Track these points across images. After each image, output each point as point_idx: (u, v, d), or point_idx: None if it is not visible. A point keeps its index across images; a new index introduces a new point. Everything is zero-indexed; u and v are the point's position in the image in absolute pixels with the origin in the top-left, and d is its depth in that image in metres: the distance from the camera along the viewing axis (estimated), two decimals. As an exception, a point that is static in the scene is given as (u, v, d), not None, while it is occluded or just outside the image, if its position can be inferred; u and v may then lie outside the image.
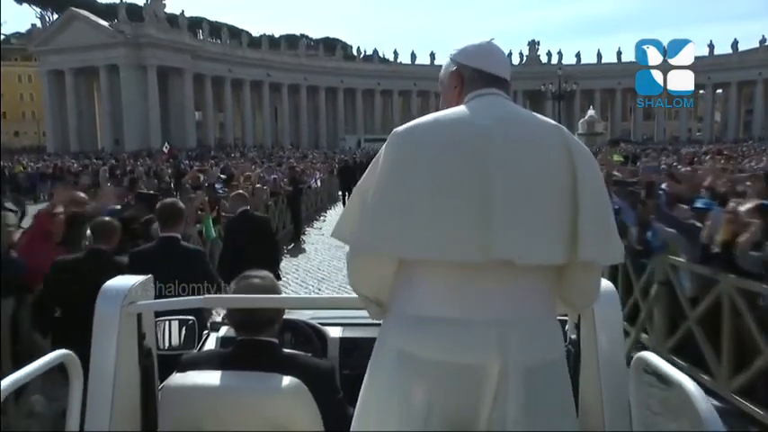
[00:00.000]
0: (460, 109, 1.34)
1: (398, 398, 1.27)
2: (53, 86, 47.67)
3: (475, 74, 1.40)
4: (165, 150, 19.81)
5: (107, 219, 4.02)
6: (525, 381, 1.23)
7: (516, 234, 1.21)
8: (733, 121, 62.13)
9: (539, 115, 1.36)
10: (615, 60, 63.04)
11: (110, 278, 1.84)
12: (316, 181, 16.78)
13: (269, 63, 56.91)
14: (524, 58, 67.61)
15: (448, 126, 1.29)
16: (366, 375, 1.38)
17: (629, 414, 1.59)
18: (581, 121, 44.04)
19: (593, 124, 44.09)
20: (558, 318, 1.43)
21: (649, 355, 1.54)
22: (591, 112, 47.14)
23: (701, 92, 64.78)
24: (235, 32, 58.27)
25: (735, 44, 59.85)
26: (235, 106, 56.85)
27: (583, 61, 64.88)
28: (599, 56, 66.02)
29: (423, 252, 1.24)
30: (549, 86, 36.97)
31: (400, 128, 1.33)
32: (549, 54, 67.33)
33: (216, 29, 56.75)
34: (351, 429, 1.40)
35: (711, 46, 61.06)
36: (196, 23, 53.16)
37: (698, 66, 55.55)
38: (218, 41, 55.51)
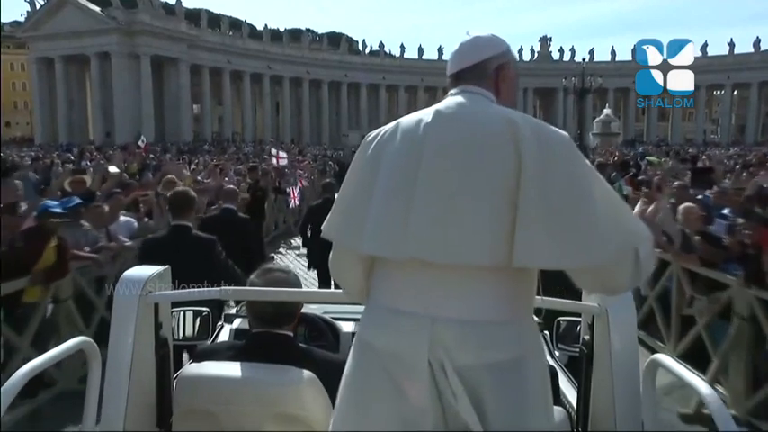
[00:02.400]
0: (422, 111, 1.38)
1: (356, 383, 1.35)
2: (42, 75, 45.48)
3: (449, 80, 1.48)
4: (142, 144, 17.28)
5: (184, 191, 4.13)
6: (456, 379, 1.23)
7: (431, 234, 1.23)
8: (752, 123, 59.70)
9: (503, 111, 1.31)
10: (629, 58, 60.85)
11: (193, 254, 2.55)
12: (293, 192, 11.20)
13: (270, 55, 54.73)
14: (536, 55, 65.33)
15: (402, 132, 1.35)
16: None
17: (641, 416, 1.57)
18: (596, 120, 41.96)
19: (608, 124, 41.92)
20: (570, 318, 1.55)
21: (664, 358, 1.52)
22: (607, 111, 44.94)
23: (718, 93, 62.75)
24: (236, 25, 55.93)
25: (757, 43, 57.44)
26: (234, 99, 54.71)
27: (596, 59, 62.53)
28: (612, 53, 63.72)
29: (360, 246, 1.32)
30: (571, 81, 34.43)
31: (370, 134, 1.43)
32: (561, 51, 65.29)
33: (215, 20, 54.29)
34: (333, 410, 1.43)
35: (732, 45, 58.83)
36: (195, 15, 50.77)
37: (717, 65, 53.69)
38: (218, 31, 53.25)
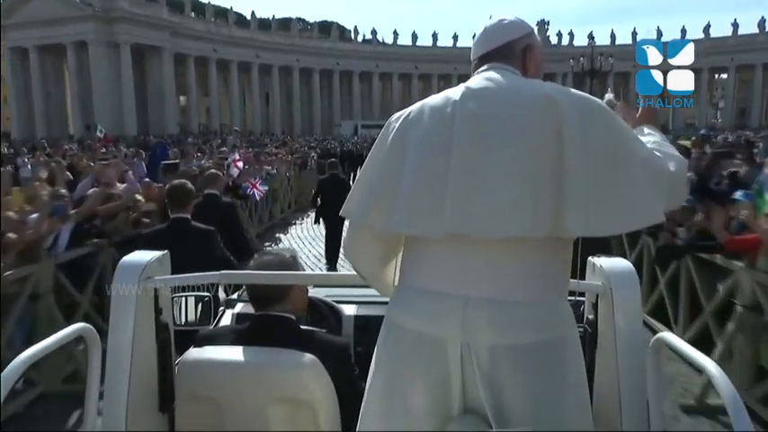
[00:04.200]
0: (450, 90, 1.35)
1: (387, 365, 1.34)
2: (17, 65, 43.02)
3: (474, 64, 1.46)
4: (101, 135, 15.10)
5: (182, 183, 4.09)
6: (491, 361, 1.22)
7: (469, 207, 1.20)
8: (756, 106, 57.97)
9: (539, 84, 1.30)
10: (630, 42, 58.90)
11: (192, 246, 2.63)
12: (252, 191, 9.11)
13: (258, 43, 52.52)
14: (533, 40, 63.24)
15: (431, 108, 1.33)
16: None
17: (646, 395, 1.56)
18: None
19: (611, 108, 40.34)
20: (573, 298, 1.45)
21: (670, 336, 1.51)
22: (609, 95, 41.04)
23: (721, 76, 61.05)
24: (222, 14, 53.49)
25: (762, 23, 55.57)
26: (221, 90, 52.52)
27: (596, 44, 60.60)
28: (612, 37, 61.74)
29: (390, 225, 1.28)
30: (580, 62, 32.54)
31: (395, 114, 1.41)
32: (559, 35, 63.09)
33: (200, 9, 51.83)
34: (365, 393, 1.42)
35: (736, 25, 56.97)
36: (179, 4, 48.46)
37: (720, 47, 52.23)
38: (202, 18, 50.93)
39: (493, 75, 1.35)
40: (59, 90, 44.79)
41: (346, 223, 1.53)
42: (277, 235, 11.72)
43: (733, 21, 56.83)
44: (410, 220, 1.26)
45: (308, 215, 14.00)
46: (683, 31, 56.17)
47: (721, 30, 59.16)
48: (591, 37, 60.07)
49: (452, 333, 1.23)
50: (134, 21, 41.91)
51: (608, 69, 32.16)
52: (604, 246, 3.94)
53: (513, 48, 1.41)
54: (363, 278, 1.54)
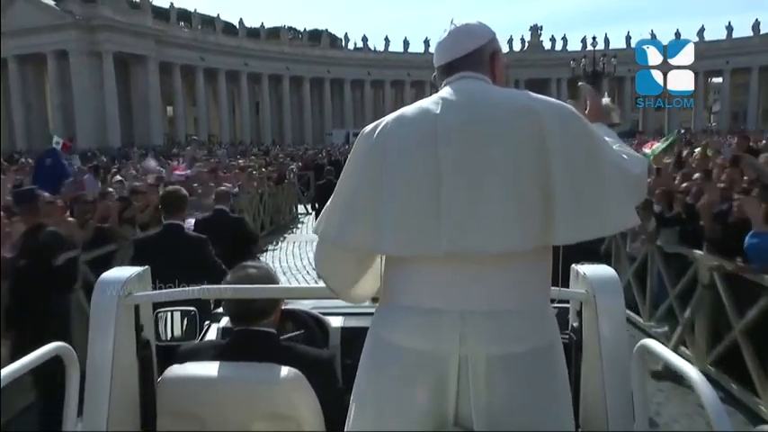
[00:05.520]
0: (426, 100, 1.34)
1: (379, 383, 1.31)
2: (-5, 76, 41.56)
3: (439, 70, 1.43)
4: (57, 147, 13.50)
5: (176, 189, 4.12)
6: (487, 372, 1.23)
7: (464, 225, 1.20)
8: (753, 109, 57.42)
9: (515, 94, 1.31)
10: (624, 46, 58.26)
11: (184, 253, 2.89)
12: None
13: (247, 51, 51.18)
14: (526, 45, 62.48)
15: (408, 121, 1.30)
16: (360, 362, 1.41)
17: (632, 402, 1.57)
18: (594, 109, 39.55)
19: (608, 113, 39.48)
20: (559, 305, 1.45)
21: (652, 343, 1.53)
22: (606, 99, 41.80)
23: (714, 80, 60.58)
24: (209, 23, 52.22)
25: (756, 26, 55.15)
26: (210, 99, 51.22)
27: (588, 48, 59.93)
28: (606, 41, 61.07)
29: (378, 247, 1.27)
30: (581, 65, 31.66)
31: (368, 127, 1.36)
32: (552, 40, 62.40)
33: (186, 18, 50.53)
34: (348, 410, 1.41)
35: (730, 28, 56.52)
36: (163, 13, 47.21)
37: (714, 50, 51.80)
38: (189, 26, 49.68)
39: (468, 86, 1.33)
40: (40, 101, 43.29)
41: None
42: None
43: (727, 24, 56.44)
44: (402, 242, 1.23)
45: (286, 236, 12.64)
46: (677, 35, 55.47)
47: (715, 33, 58.86)
48: (583, 41, 59.39)
49: (451, 348, 1.23)
50: (117, 29, 40.51)
51: (611, 71, 31.12)
52: (592, 251, 4.54)
53: (482, 54, 1.39)
54: (333, 291, 1.51)
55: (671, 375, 4.20)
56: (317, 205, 9.51)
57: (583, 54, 34.10)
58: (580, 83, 1.85)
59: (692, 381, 1.25)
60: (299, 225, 14.64)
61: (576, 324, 1.74)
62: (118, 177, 9.35)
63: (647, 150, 8.75)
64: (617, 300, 1.63)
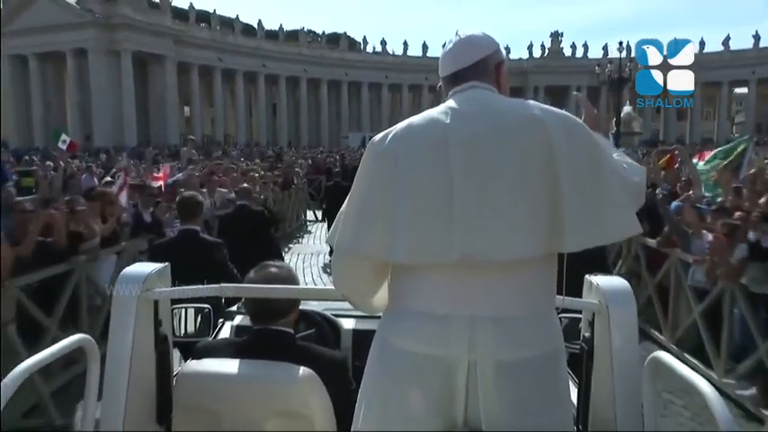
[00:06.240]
0: (435, 110, 1.36)
1: (389, 388, 1.33)
2: (16, 73, 41.50)
3: (445, 80, 1.46)
4: (63, 146, 13.01)
5: (192, 195, 4.27)
6: (496, 377, 1.25)
7: (476, 233, 1.22)
8: (778, 121, 56.01)
9: (523, 104, 1.33)
10: (647, 53, 57.13)
11: (200, 257, 3.12)
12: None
13: (265, 52, 51.18)
14: (546, 51, 61.64)
15: (418, 129, 1.31)
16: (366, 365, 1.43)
17: (642, 414, 1.57)
18: (615, 118, 38.80)
19: (629, 122, 38.40)
20: (571, 315, 1.52)
21: (664, 356, 1.51)
22: (627, 108, 41.36)
23: (738, 90, 59.23)
24: (228, 24, 52.22)
25: (783, 35, 53.80)
26: (227, 100, 51.20)
27: (610, 56, 58.91)
28: (628, 49, 60.02)
29: (391, 255, 1.28)
30: (605, 71, 31.06)
31: (377, 135, 1.38)
32: (573, 47, 61.48)
33: (205, 19, 50.54)
34: (355, 413, 1.44)
35: (757, 37, 55.13)
36: (182, 13, 47.26)
37: (740, 59, 50.60)
38: (208, 27, 49.67)
39: (476, 95, 1.36)
40: (59, 99, 43.51)
41: None
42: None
43: (754, 33, 55.03)
44: (415, 250, 1.24)
45: (291, 246, 11.56)
46: (702, 44, 54.58)
47: (742, 42, 57.50)
48: (605, 49, 58.39)
49: (460, 353, 1.25)
50: (136, 28, 40.61)
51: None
52: (600, 259, 4.14)
53: (488, 64, 1.42)
54: (351, 302, 1.54)
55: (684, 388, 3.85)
56: (324, 206, 10.22)
57: (608, 60, 33.24)
58: (575, 92, 1.90)
59: (705, 396, 1.25)
60: (306, 234, 13.53)
61: (587, 334, 1.75)
62: (108, 178, 8.75)
63: (699, 162, 7.63)
64: (629, 311, 1.65)
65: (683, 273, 5.61)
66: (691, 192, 6.52)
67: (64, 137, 12.88)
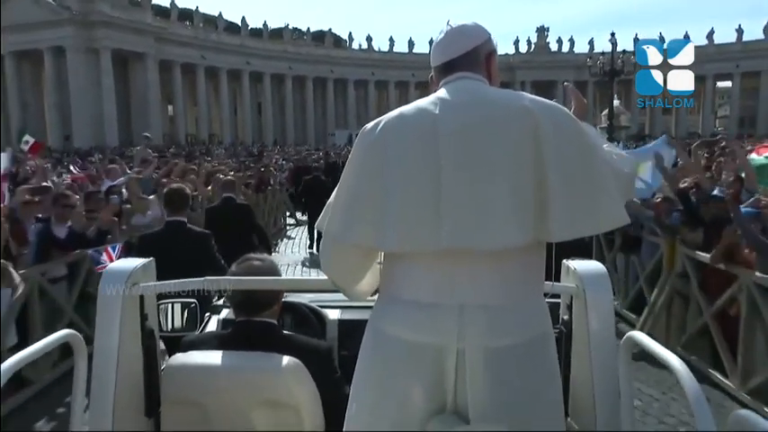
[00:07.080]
0: (425, 99, 1.36)
1: (380, 375, 1.36)
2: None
3: (436, 70, 1.46)
4: (25, 147, 11.95)
5: (180, 187, 4.33)
6: (485, 363, 1.27)
7: (465, 222, 1.23)
8: (763, 113, 56.39)
9: (512, 95, 1.33)
10: (632, 48, 57.30)
11: (188, 248, 3.19)
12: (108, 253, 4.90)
13: (249, 50, 50.35)
14: (533, 46, 61.44)
15: (408, 119, 1.32)
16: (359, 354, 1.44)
17: (618, 388, 1.63)
18: (603, 112, 38.64)
19: (617, 116, 38.43)
20: (550, 300, 1.50)
21: (639, 335, 1.58)
22: (615, 102, 41.65)
23: (721, 84, 59.58)
24: (211, 22, 51.32)
25: (767, 28, 54.13)
26: (211, 98, 50.32)
27: (595, 50, 58.85)
28: (614, 44, 60.09)
29: (381, 243, 1.30)
30: (597, 63, 30.99)
31: (368, 125, 1.38)
32: (559, 41, 61.36)
33: (188, 17, 49.54)
34: (349, 401, 1.45)
35: (740, 31, 55.47)
36: (164, 11, 46.30)
37: (725, 53, 50.86)
38: (191, 25, 48.75)
39: (466, 86, 1.36)
40: (37, 99, 42.39)
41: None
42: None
43: (737, 27, 55.41)
44: (404, 238, 1.26)
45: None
46: (686, 37, 54.64)
47: (725, 36, 57.88)
48: (591, 43, 58.31)
49: (449, 341, 1.27)
50: (115, 25, 39.63)
51: (631, 70, 30.16)
52: (583, 247, 4.34)
53: (479, 54, 1.42)
54: (340, 289, 1.53)
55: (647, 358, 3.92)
56: (303, 200, 10.57)
57: (601, 53, 33.12)
58: (564, 83, 1.94)
59: (677, 373, 1.32)
60: (286, 241, 12.07)
61: (566, 317, 1.79)
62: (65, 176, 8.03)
63: (757, 156, 7.15)
64: (605, 294, 1.70)
65: (761, 300, 4.20)
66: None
67: (27, 137, 11.96)
